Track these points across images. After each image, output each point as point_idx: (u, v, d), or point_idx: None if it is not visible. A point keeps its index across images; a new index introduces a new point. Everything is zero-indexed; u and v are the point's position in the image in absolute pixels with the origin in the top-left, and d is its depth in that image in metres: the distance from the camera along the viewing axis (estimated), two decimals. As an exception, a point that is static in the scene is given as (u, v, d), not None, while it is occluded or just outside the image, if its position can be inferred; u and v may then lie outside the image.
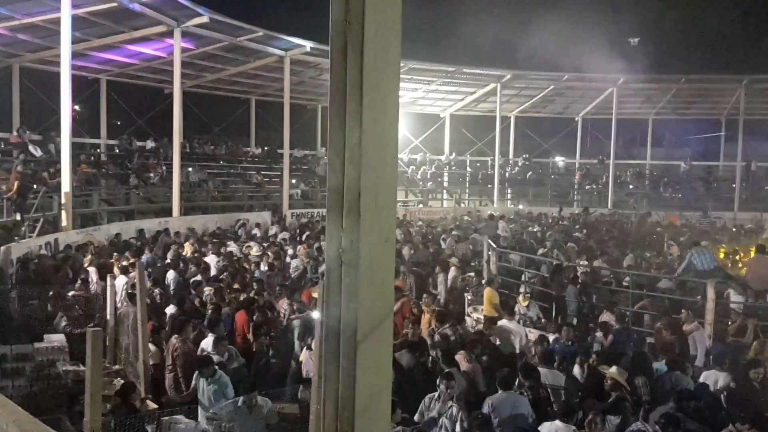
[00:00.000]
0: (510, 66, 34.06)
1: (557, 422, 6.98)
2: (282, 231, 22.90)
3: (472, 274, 16.35)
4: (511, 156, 41.26)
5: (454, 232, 22.71)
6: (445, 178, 39.33)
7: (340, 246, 2.43)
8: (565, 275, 14.68)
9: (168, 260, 16.21)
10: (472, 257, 18.94)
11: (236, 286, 13.41)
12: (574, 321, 12.61)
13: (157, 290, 13.13)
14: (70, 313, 11.08)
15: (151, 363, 9.34)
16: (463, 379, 8.33)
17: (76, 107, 28.21)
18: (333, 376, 2.51)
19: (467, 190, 39.35)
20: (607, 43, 32.89)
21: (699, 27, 42.63)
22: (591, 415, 6.95)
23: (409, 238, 21.41)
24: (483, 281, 14.93)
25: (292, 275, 16.39)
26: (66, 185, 18.16)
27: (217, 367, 8.33)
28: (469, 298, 14.75)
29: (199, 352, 9.39)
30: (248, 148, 34.93)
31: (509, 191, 39.06)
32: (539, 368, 8.46)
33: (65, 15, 17.62)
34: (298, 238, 20.92)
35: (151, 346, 9.57)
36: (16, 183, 17.17)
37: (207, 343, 9.66)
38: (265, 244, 19.22)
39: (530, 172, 39.82)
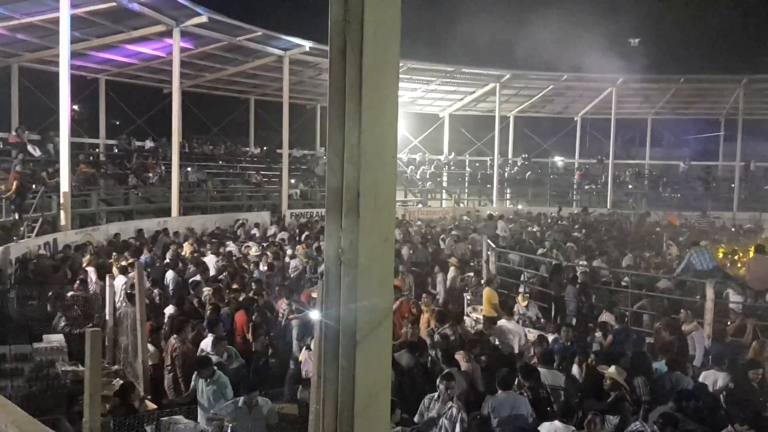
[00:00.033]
0: (509, 66, 34.08)
1: (556, 422, 6.99)
2: (281, 231, 22.90)
3: (472, 274, 16.37)
4: (510, 156, 41.28)
5: (453, 232, 22.71)
6: (444, 178, 39.35)
7: (339, 246, 2.43)
8: (565, 275, 14.69)
9: (167, 260, 16.21)
10: (471, 257, 18.95)
11: (235, 286, 13.40)
12: (573, 321, 12.62)
13: (156, 291, 13.12)
14: (69, 314, 11.07)
15: (150, 363, 9.34)
16: (463, 380, 8.33)
17: (75, 107, 28.18)
18: (332, 376, 2.51)
19: (466, 190, 39.35)
20: (606, 43, 32.93)
21: (698, 27, 42.69)
22: (590, 414, 6.95)
23: (408, 238, 21.42)
24: (482, 281, 14.94)
25: (291, 275, 16.39)
26: (65, 185, 18.15)
27: (216, 368, 8.31)
28: (469, 298, 14.76)
29: (198, 353, 9.39)
30: (247, 148, 34.95)
31: (508, 191, 39.07)
32: (539, 368, 8.46)
33: (64, 15, 17.61)
34: (297, 238, 20.92)
35: (150, 347, 9.57)
36: (14, 183, 17.15)
37: (206, 343, 9.65)
38: (264, 244, 19.23)
39: (529, 172, 39.86)
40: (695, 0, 41.59)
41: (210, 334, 9.77)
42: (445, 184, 39.07)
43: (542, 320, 13.01)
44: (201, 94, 33.07)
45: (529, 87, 37.09)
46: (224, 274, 14.79)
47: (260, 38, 25.52)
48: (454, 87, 36.69)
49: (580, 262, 16.87)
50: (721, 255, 19.01)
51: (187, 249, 17.95)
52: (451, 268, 15.98)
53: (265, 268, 15.58)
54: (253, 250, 18.05)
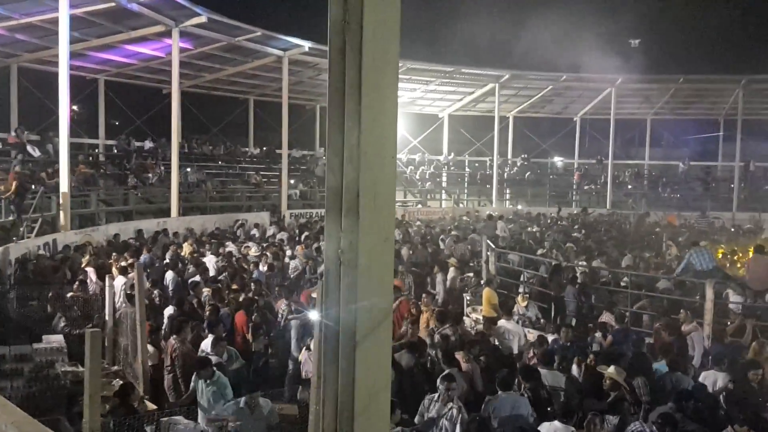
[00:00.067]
0: (508, 66, 34.09)
1: (556, 422, 6.98)
2: (280, 231, 22.89)
3: (471, 274, 16.37)
4: (509, 156, 41.28)
5: (453, 233, 22.71)
6: (444, 178, 39.34)
7: (339, 246, 2.43)
8: (564, 275, 14.68)
9: (166, 261, 16.21)
10: (471, 257, 18.94)
11: (234, 286, 13.40)
12: (573, 321, 12.61)
13: (156, 291, 13.12)
14: (68, 314, 11.08)
15: (149, 364, 9.33)
16: (464, 381, 8.32)
17: (74, 107, 28.20)
18: (332, 377, 2.51)
19: (466, 191, 39.35)
20: (605, 43, 32.95)
21: (697, 27, 42.71)
22: (590, 415, 6.95)
23: (407, 238, 21.42)
24: (482, 281, 14.94)
25: (291, 276, 16.39)
26: (64, 185, 18.14)
27: (215, 369, 8.30)
28: (468, 298, 14.76)
29: (199, 353, 9.38)
30: (247, 149, 34.94)
31: (508, 191, 39.07)
32: (539, 369, 8.46)
33: (63, 15, 17.61)
34: (297, 239, 20.91)
35: (150, 347, 9.56)
36: (14, 183, 17.15)
37: (207, 344, 9.65)
38: (264, 245, 19.23)
39: (529, 173, 39.86)
40: (694, 0, 41.60)
41: (210, 335, 9.77)
42: (444, 184, 39.08)
43: (542, 320, 13.01)
44: (200, 95, 33.07)
45: (528, 87, 37.10)
46: (224, 274, 14.79)
47: (259, 38, 25.52)
48: (454, 87, 36.69)
49: (580, 263, 16.87)
50: (720, 255, 19.02)
51: (186, 249, 17.95)
52: (451, 269, 15.98)
53: (265, 268, 15.57)
54: (253, 251, 18.06)
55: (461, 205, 37.01)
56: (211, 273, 15.09)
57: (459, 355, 8.95)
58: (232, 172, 31.36)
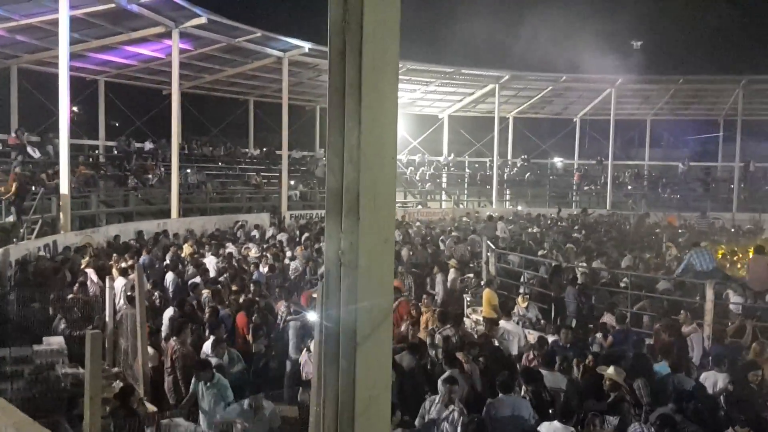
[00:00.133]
0: (508, 67, 34.11)
1: (556, 423, 6.97)
2: (280, 232, 22.89)
3: (471, 275, 16.36)
4: (509, 157, 41.28)
5: (453, 234, 22.71)
6: (444, 179, 39.34)
7: (339, 247, 2.43)
8: (564, 276, 14.68)
9: (166, 262, 16.21)
10: (471, 258, 18.94)
11: (234, 288, 13.39)
12: (573, 322, 12.61)
13: (156, 293, 13.12)
14: (69, 316, 11.06)
15: (150, 366, 9.32)
16: (465, 383, 8.31)
17: (75, 108, 28.21)
18: (332, 378, 2.50)
19: (466, 191, 39.35)
20: (605, 44, 32.96)
21: (697, 28, 42.75)
22: (590, 415, 6.94)
23: (407, 239, 21.42)
24: (482, 282, 14.94)
25: (291, 277, 16.39)
26: (64, 187, 18.13)
27: (215, 371, 8.28)
28: (468, 299, 14.75)
29: (201, 356, 9.37)
30: (247, 150, 34.94)
31: (508, 192, 39.08)
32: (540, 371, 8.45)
33: (63, 16, 17.60)
34: (297, 240, 20.92)
35: (150, 349, 9.55)
36: (14, 185, 17.15)
37: (208, 346, 9.64)
38: (264, 246, 19.22)
39: (529, 173, 39.85)
40: (694, 1, 41.62)
41: (212, 336, 9.77)
42: (444, 185, 39.07)
43: (542, 321, 13.01)
44: (200, 96, 33.09)
45: (528, 88, 37.10)
46: (225, 275, 14.79)
47: (259, 39, 25.52)
48: (454, 88, 36.70)
49: (580, 264, 16.86)
50: (720, 256, 19.02)
51: (186, 250, 17.95)
52: (451, 270, 15.97)
53: (266, 269, 15.57)
54: (253, 252, 18.05)
55: (461, 206, 37.01)
56: (212, 274, 15.09)
57: (460, 356, 8.94)
58: (232, 173, 31.36)
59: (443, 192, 38.55)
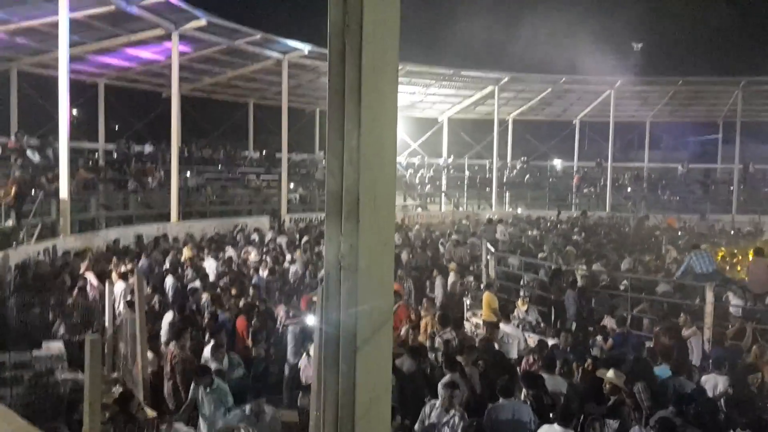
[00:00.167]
0: (507, 69, 34.12)
1: (555, 426, 6.96)
2: (279, 236, 22.88)
3: (471, 278, 16.34)
4: (509, 159, 41.25)
5: (453, 237, 22.69)
6: (444, 182, 39.33)
7: (339, 250, 2.42)
8: (564, 279, 14.67)
9: (166, 266, 16.19)
10: (471, 261, 18.93)
11: (234, 291, 13.37)
12: (573, 325, 12.60)
13: (156, 297, 13.10)
14: (68, 320, 11.05)
15: (149, 370, 9.30)
16: (465, 387, 8.28)
17: (74, 112, 28.18)
18: (332, 382, 2.49)
19: (465, 194, 39.34)
20: (604, 46, 32.99)
21: (696, 29, 42.79)
22: (590, 419, 6.92)
23: (407, 242, 21.40)
24: (482, 285, 14.92)
25: (291, 280, 16.37)
26: (64, 190, 18.12)
27: (214, 377, 8.24)
28: (468, 302, 14.74)
29: (201, 360, 9.35)
30: (246, 152, 34.91)
31: (507, 195, 39.06)
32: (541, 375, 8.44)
33: (63, 18, 17.60)
34: (297, 243, 20.91)
35: (149, 354, 9.53)
36: (13, 188, 17.12)
37: (208, 350, 9.62)
38: (265, 249, 19.21)
39: (528, 176, 39.84)
40: (693, 2, 41.66)
41: (212, 341, 9.75)
42: (444, 187, 39.06)
43: (542, 324, 13.00)
44: (200, 98, 33.07)
45: (527, 90, 37.10)
46: (225, 279, 14.77)
47: (259, 42, 25.52)
48: (453, 90, 36.70)
49: (580, 266, 16.85)
50: (720, 258, 19.02)
51: (186, 254, 17.93)
52: (451, 273, 15.95)
53: (266, 273, 15.56)
54: (253, 256, 18.04)
55: (461, 209, 36.99)
56: (211, 278, 15.08)
57: (460, 359, 8.92)
58: (232, 176, 31.33)
59: (443, 195, 38.54)
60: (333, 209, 2.43)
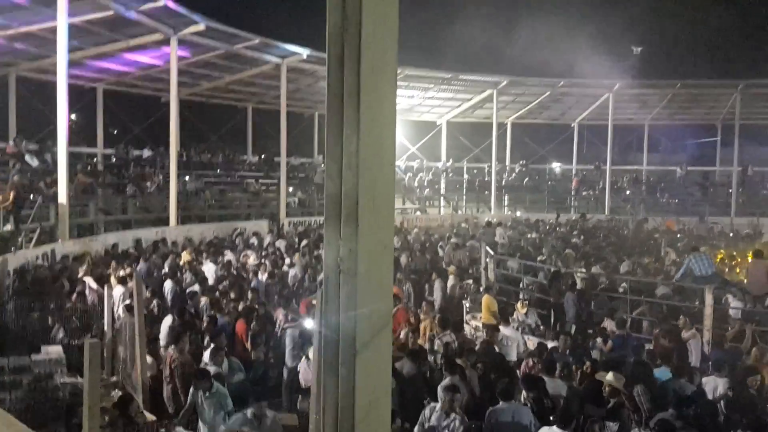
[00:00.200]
0: (506, 72, 34.14)
1: (554, 428, 6.95)
2: (278, 239, 22.88)
3: (470, 281, 16.34)
4: (507, 162, 41.29)
5: (452, 240, 22.69)
6: (443, 185, 39.35)
7: (339, 254, 2.42)
8: (564, 282, 14.67)
9: (165, 270, 16.18)
10: (470, 264, 18.93)
11: (233, 295, 13.37)
12: (573, 328, 12.60)
13: (155, 301, 13.09)
14: (67, 325, 11.04)
15: (148, 374, 9.29)
16: (465, 390, 8.28)
17: (73, 116, 28.19)
18: (332, 386, 2.49)
19: (464, 197, 39.36)
20: (602, 49, 33.01)
21: (695, 32, 42.83)
22: (589, 421, 6.92)
23: (406, 245, 21.40)
24: (481, 288, 14.92)
25: (290, 284, 16.37)
26: (63, 195, 18.11)
27: (213, 381, 8.23)
28: (468, 305, 14.73)
29: (201, 364, 9.34)
30: (245, 156, 34.92)
31: (506, 198, 39.09)
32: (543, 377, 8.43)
33: (62, 24, 17.60)
34: (296, 247, 20.91)
35: (148, 358, 9.52)
36: (12, 193, 17.11)
37: (208, 354, 9.62)
38: (264, 253, 19.20)
39: (527, 179, 39.87)
40: (691, 5, 41.71)
41: (212, 344, 9.74)
42: (443, 191, 39.08)
43: (541, 327, 13.00)
44: (199, 103, 33.06)
45: (526, 93, 37.15)
46: (225, 283, 14.77)
47: (257, 46, 25.55)
48: (452, 94, 36.73)
49: (579, 269, 16.85)
50: (719, 260, 19.03)
51: (185, 258, 17.93)
52: (450, 276, 15.95)
53: (265, 276, 15.55)
54: (252, 259, 18.03)
55: (460, 212, 37.02)
56: (210, 282, 15.07)
57: (460, 362, 8.92)
58: (231, 180, 31.33)
59: (442, 198, 38.55)
60: (332, 213, 2.44)
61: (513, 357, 10.97)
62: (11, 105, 24.46)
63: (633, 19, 41.89)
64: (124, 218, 23.88)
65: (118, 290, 12.65)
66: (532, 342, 11.72)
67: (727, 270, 18.23)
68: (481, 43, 35.19)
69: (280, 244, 21.69)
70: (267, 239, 23.29)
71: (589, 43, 32.64)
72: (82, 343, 5.67)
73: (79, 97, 27.44)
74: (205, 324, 11.27)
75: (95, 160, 28.86)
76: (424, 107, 38.90)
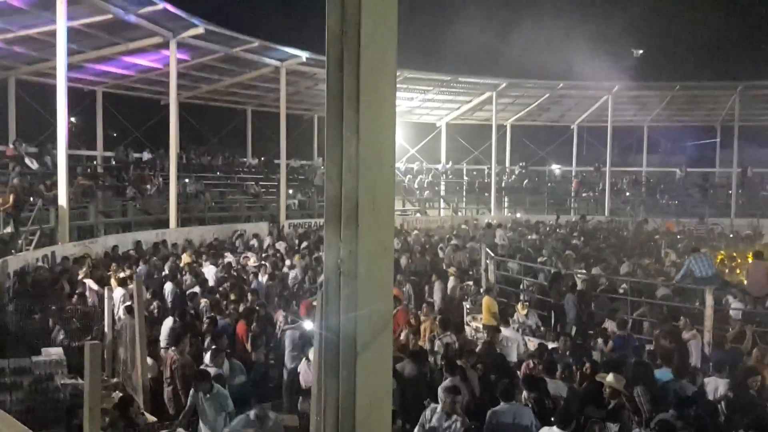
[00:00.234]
0: (505, 75, 34.16)
1: (555, 429, 6.95)
2: (278, 241, 22.88)
3: (471, 282, 16.35)
4: (507, 164, 41.30)
5: (452, 242, 22.69)
6: (442, 187, 39.35)
7: (339, 256, 2.43)
8: (564, 283, 14.67)
9: (165, 272, 16.19)
10: (470, 266, 18.93)
11: (233, 297, 13.38)
12: (573, 329, 12.60)
13: (155, 303, 13.10)
14: (67, 326, 11.05)
15: (149, 376, 9.30)
16: (466, 391, 8.28)
17: (72, 119, 28.19)
18: (333, 387, 2.50)
19: (464, 199, 39.36)
20: (601, 51, 33.00)
21: (694, 34, 42.83)
22: (590, 422, 6.92)
23: (406, 247, 21.40)
24: (481, 290, 14.93)
25: (291, 286, 16.38)
26: (62, 198, 18.11)
27: (213, 382, 8.23)
28: (468, 306, 14.74)
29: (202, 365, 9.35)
30: (245, 159, 34.92)
31: (506, 199, 39.08)
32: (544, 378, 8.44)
33: (61, 27, 17.61)
34: (296, 248, 20.92)
35: (149, 359, 9.53)
36: (11, 196, 17.12)
37: (209, 356, 9.63)
38: (264, 255, 19.20)
39: (527, 180, 39.86)
40: (691, 6, 41.73)
41: (213, 346, 9.75)
42: (443, 193, 39.09)
43: (542, 328, 13.00)
44: (198, 106, 33.06)
45: (525, 95, 37.16)
46: (225, 285, 14.78)
47: (257, 49, 25.56)
48: (451, 96, 36.73)
49: (579, 271, 16.85)
50: (719, 261, 19.02)
51: (185, 260, 17.93)
52: (451, 278, 15.96)
53: (265, 278, 15.56)
54: (252, 261, 18.04)
55: (460, 214, 37.02)
56: (211, 283, 15.08)
57: (461, 363, 8.93)
58: (231, 182, 31.33)
59: (442, 200, 38.56)
60: (332, 215, 2.45)
61: (513, 358, 10.98)
62: (11, 108, 24.47)
63: (632, 21, 41.88)
64: (124, 220, 23.90)
65: (118, 292, 12.66)
66: (532, 343, 11.72)
67: (727, 271, 18.22)
68: (481, 45, 35.20)
69: (280, 245, 21.69)
70: (267, 241, 23.30)
71: (588, 44, 32.64)
72: (82, 345, 5.67)
73: (79, 100, 27.46)
74: (205, 325, 11.27)
75: (95, 162, 28.86)
76: (423, 109, 38.93)
